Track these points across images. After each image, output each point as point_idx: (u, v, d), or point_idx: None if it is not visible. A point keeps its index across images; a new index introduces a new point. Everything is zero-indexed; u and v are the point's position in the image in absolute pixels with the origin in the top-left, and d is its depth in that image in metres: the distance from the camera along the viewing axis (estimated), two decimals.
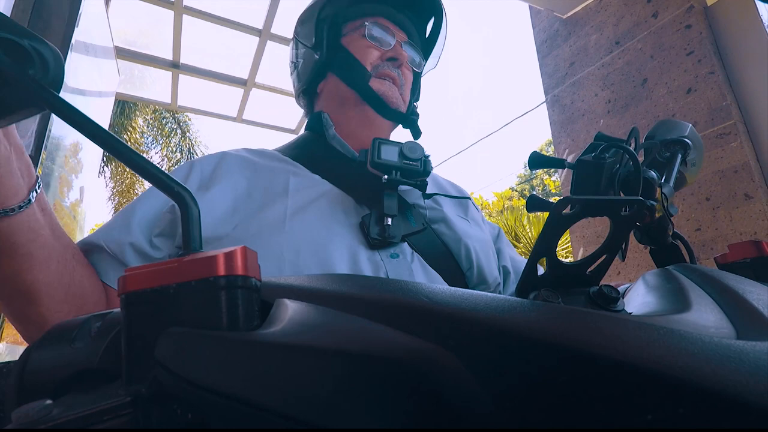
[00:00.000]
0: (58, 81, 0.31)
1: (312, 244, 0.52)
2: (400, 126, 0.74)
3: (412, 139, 0.72)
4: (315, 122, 0.71)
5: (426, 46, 0.78)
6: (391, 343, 0.19)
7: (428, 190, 0.69)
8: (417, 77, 0.75)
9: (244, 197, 0.58)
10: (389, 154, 0.57)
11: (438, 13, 0.76)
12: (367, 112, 0.68)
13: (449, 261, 0.59)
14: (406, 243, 0.58)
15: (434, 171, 0.79)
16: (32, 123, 1.29)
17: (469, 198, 0.73)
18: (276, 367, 0.18)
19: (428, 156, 0.61)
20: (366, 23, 0.69)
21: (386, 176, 0.56)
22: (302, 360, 0.18)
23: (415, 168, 0.57)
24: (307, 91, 0.74)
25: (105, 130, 0.28)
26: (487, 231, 0.72)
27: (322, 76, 0.72)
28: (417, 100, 0.76)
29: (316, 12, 0.71)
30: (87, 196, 2.19)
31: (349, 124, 0.69)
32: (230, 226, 0.55)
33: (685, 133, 0.46)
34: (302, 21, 0.74)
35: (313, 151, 0.68)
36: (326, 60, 0.69)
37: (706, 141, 1.69)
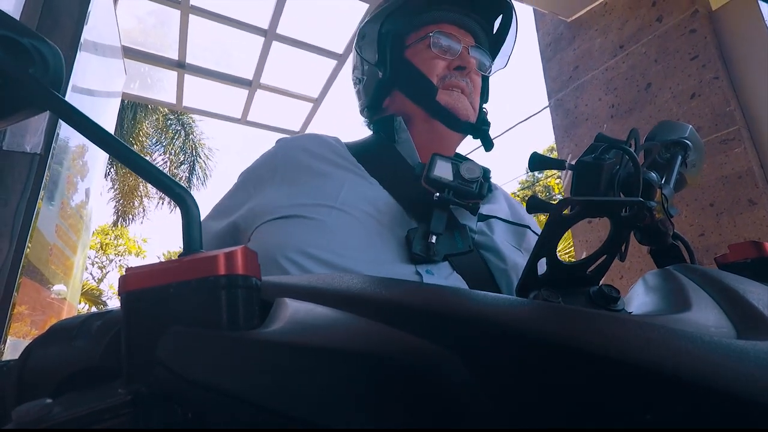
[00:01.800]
0: (59, 80, 0.30)
1: (348, 247, 0.54)
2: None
3: (484, 148, 0.71)
4: (386, 125, 0.68)
5: (494, 45, 0.74)
6: (391, 342, 0.19)
7: (490, 211, 0.67)
8: (485, 80, 0.73)
9: (298, 192, 0.61)
10: (444, 172, 0.57)
11: (506, 8, 0.72)
12: (436, 127, 0.66)
13: (491, 289, 0.57)
14: (447, 262, 0.57)
15: (504, 190, 0.77)
16: (42, 121, 1.30)
17: (528, 227, 0.67)
18: (276, 366, 0.18)
19: (489, 177, 0.60)
20: (430, 33, 0.67)
21: (438, 194, 0.56)
22: (302, 359, 0.18)
23: (469, 189, 0.56)
24: (372, 107, 0.72)
25: (105, 130, 0.28)
26: None
27: (387, 93, 0.70)
28: (486, 101, 0.73)
29: (377, 26, 0.68)
30: (93, 198, 2.21)
31: (417, 139, 0.67)
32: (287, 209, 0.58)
33: (685, 134, 0.46)
34: (363, 35, 0.72)
35: (379, 154, 0.67)
36: (391, 77, 0.68)
37: (709, 146, 1.69)
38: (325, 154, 0.66)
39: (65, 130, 1.48)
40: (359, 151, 0.68)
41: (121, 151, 0.27)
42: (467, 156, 0.75)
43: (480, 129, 0.69)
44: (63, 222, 1.62)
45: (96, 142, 0.27)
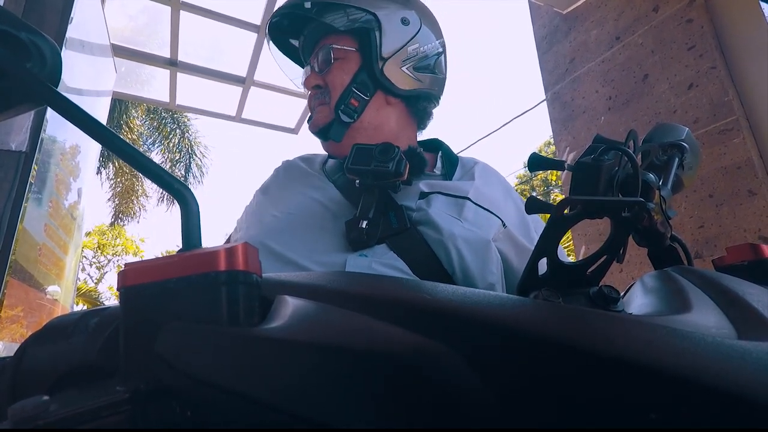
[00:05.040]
0: (56, 75, 0.30)
1: (294, 241, 0.61)
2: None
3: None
4: None
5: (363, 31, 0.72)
6: (393, 340, 0.19)
7: (454, 180, 0.70)
8: (360, 65, 0.71)
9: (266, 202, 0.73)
10: (362, 159, 0.60)
11: (320, 21, 0.71)
12: (324, 146, 0.77)
13: (433, 263, 0.59)
14: (385, 244, 0.60)
15: (486, 166, 0.79)
16: (27, 119, 1.28)
17: (467, 198, 0.67)
18: (277, 363, 0.18)
19: (418, 151, 0.65)
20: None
21: (358, 180, 0.61)
22: (303, 356, 0.18)
23: (386, 170, 0.58)
24: None
25: (102, 125, 0.27)
26: (493, 227, 0.66)
27: None
28: (373, 65, 0.69)
29: None
30: (85, 198, 2.18)
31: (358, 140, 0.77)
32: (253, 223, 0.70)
33: (681, 136, 0.47)
34: None
35: (339, 163, 0.76)
36: None
37: (708, 137, 1.68)
38: (300, 169, 0.77)
39: (53, 128, 1.46)
40: (329, 161, 0.78)
41: (119, 147, 0.27)
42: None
43: (332, 126, 0.72)
44: (53, 221, 1.59)
45: (95, 138, 0.27)
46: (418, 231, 0.61)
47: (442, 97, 0.80)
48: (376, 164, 0.58)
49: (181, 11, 2.52)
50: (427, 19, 0.75)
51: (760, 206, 1.52)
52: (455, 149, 0.83)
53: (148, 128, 12.19)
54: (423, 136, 0.84)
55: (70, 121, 0.27)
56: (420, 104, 0.76)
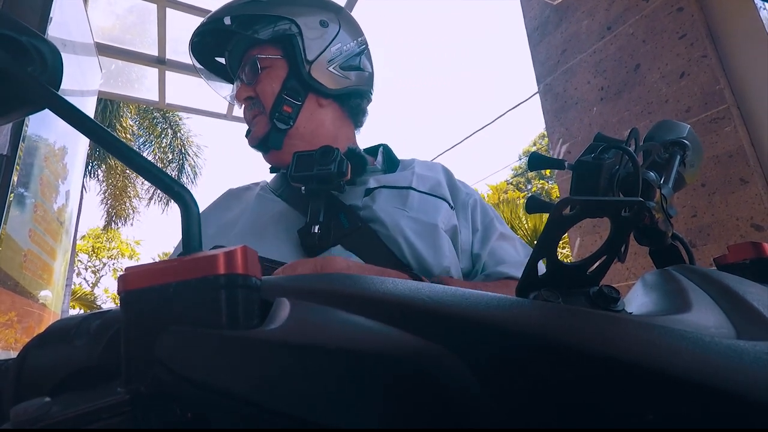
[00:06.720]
0: (57, 78, 0.30)
1: None
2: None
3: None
4: None
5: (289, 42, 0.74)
6: (392, 342, 0.19)
7: (389, 182, 0.71)
8: (288, 71, 0.72)
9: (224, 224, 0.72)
10: (305, 166, 0.61)
11: (243, 35, 0.74)
12: (267, 159, 0.77)
13: (389, 257, 0.60)
14: (339, 246, 0.60)
15: (420, 161, 0.82)
16: None
17: (409, 188, 0.69)
18: (276, 366, 0.18)
19: (357, 150, 0.66)
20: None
21: (303, 187, 0.62)
22: (303, 358, 0.18)
23: (329, 171, 0.59)
24: None
25: (104, 129, 0.28)
26: (440, 210, 0.68)
27: None
28: (296, 79, 0.72)
29: None
30: (74, 201, 2.15)
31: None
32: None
33: (683, 134, 0.47)
34: None
35: (281, 176, 0.78)
36: None
37: (700, 126, 1.67)
38: (242, 192, 0.77)
39: (37, 129, 1.42)
40: (271, 178, 0.80)
41: (121, 150, 0.27)
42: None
43: (270, 137, 0.73)
44: (38, 227, 1.56)
45: (97, 142, 0.27)
46: (369, 228, 0.62)
47: (373, 93, 0.82)
48: (318, 168, 0.59)
49: (167, 9, 2.48)
50: (345, 18, 0.78)
51: (752, 194, 1.52)
52: (449, 144, 0.85)
53: (139, 128, 12.07)
54: (367, 139, 0.87)
55: (72, 125, 0.27)
56: (352, 101, 0.78)
